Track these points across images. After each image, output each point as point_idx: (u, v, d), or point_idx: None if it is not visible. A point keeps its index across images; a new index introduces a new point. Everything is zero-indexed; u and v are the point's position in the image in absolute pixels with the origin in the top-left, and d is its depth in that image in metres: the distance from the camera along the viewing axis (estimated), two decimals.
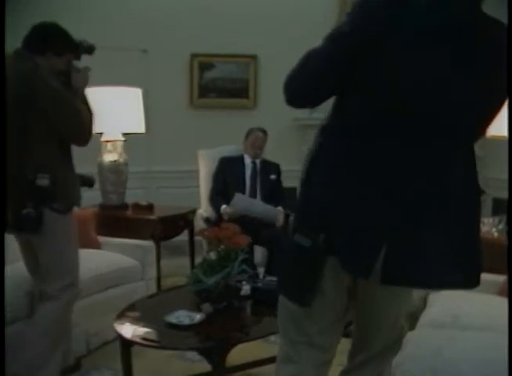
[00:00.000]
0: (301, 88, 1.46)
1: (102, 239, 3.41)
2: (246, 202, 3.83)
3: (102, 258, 3.14)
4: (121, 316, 2.37)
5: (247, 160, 4.04)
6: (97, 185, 3.86)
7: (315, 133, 1.48)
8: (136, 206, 3.98)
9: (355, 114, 1.38)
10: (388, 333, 1.65)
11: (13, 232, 2.36)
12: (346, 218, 1.38)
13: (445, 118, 1.34)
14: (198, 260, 3.37)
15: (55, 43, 2.34)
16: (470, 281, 1.44)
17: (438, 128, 1.35)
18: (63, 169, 2.35)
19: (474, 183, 1.44)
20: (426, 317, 2.32)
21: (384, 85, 1.32)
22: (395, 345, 1.70)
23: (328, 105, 1.48)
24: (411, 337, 2.03)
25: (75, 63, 2.42)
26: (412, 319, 2.31)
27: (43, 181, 2.22)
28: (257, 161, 4.05)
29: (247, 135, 4.06)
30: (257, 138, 4.03)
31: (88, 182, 2.50)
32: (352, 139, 1.38)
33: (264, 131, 4.06)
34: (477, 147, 1.46)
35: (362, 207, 1.37)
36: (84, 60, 2.45)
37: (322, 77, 1.40)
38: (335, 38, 1.37)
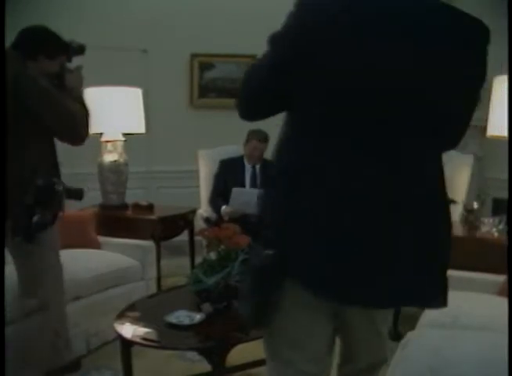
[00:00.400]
0: (251, 101, 1.38)
1: (102, 239, 3.41)
2: (245, 195, 3.76)
3: (102, 258, 3.15)
4: (121, 316, 2.37)
5: (247, 163, 4.01)
6: (97, 185, 3.89)
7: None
8: (136, 206, 3.98)
9: (309, 119, 1.27)
10: (370, 351, 1.54)
11: (23, 240, 2.24)
12: (300, 232, 1.25)
13: (408, 118, 1.23)
14: (198, 260, 3.37)
15: (47, 46, 2.32)
16: (436, 301, 1.34)
17: (402, 130, 1.23)
18: (54, 173, 2.30)
19: (442, 192, 1.32)
20: (426, 317, 2.31)
21: (335, 87, 1.21)
22: (382, 363, 1.59)
23: None
24: (411, 337, 2.03)
25: (68, 65, 2.39)
26: (412, 320, 2.32)
27: (59, 186, 2.19)
28: (257, 166, 4.01)
29: (247, 139, 3.97)
30: (255, 148, 3.92)
31: (76, 194, 2.37)
32: (308, 145, 1.26)
33: (264, 138, 3.91)
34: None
35: (316, 219, 1.23)
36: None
37: (269, 85, 1.30)
38: (275, 42, 1.29)
